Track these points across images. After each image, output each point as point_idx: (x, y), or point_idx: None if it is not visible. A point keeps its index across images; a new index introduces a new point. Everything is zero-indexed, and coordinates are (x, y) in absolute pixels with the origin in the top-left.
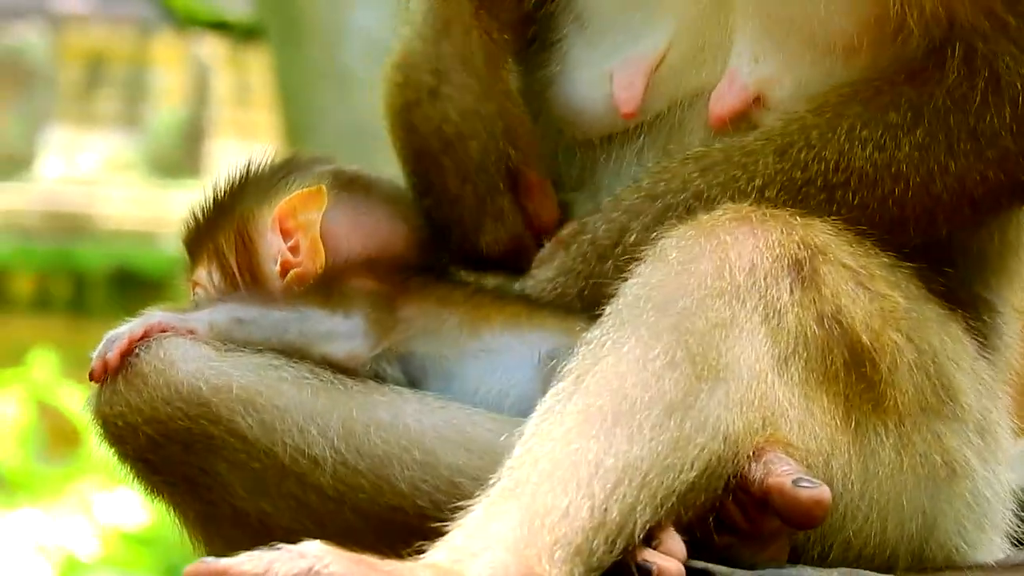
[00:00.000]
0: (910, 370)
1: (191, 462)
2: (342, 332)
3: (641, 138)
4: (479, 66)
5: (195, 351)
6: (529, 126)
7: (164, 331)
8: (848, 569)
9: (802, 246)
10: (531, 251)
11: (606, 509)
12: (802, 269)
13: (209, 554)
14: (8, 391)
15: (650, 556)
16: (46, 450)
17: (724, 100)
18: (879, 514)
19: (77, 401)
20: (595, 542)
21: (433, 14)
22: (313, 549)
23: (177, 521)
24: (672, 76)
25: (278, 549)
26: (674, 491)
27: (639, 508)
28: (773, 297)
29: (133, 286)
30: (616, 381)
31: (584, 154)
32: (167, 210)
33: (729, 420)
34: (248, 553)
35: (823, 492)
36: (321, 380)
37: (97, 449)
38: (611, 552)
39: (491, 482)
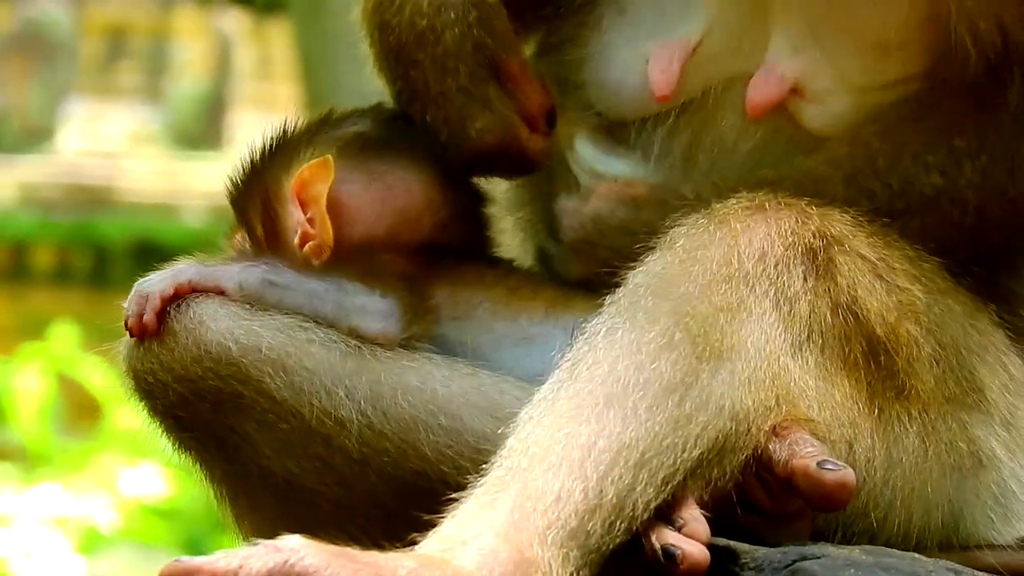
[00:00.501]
0: (930, 362)
1: (220, 421)
2: (377, 310)
3: (674, 121)
4: None
5: (225, 311)
6: (503, 15)
7: (194, 291)
8: (871, 546)
9: (817, 235)
10: (529, 142)
11: (601, 491)
12: (816, 258)
13: (235, 513)
14: (29, 364)
15: (674, 539)
16: (66, 423)
17: (761, 90)
18: (903, 502)
19: (98, 374)
20: (591, 524)
21: None
22: (290, 543)
23: (203, 479)
24: (708, 62)
25: (255, 544)
26: (678, 470)
27: (638, 488)
28: (784, 284)
29: (154, 258)
30: (608, 365)
31: (616, 135)
32: (188, 182)
33: (736, 398)
34: (222, 550)
35: (847, 475)
36: (349, 345)
37: (119, 419)
38: (612, 534)
39: (483, 473)
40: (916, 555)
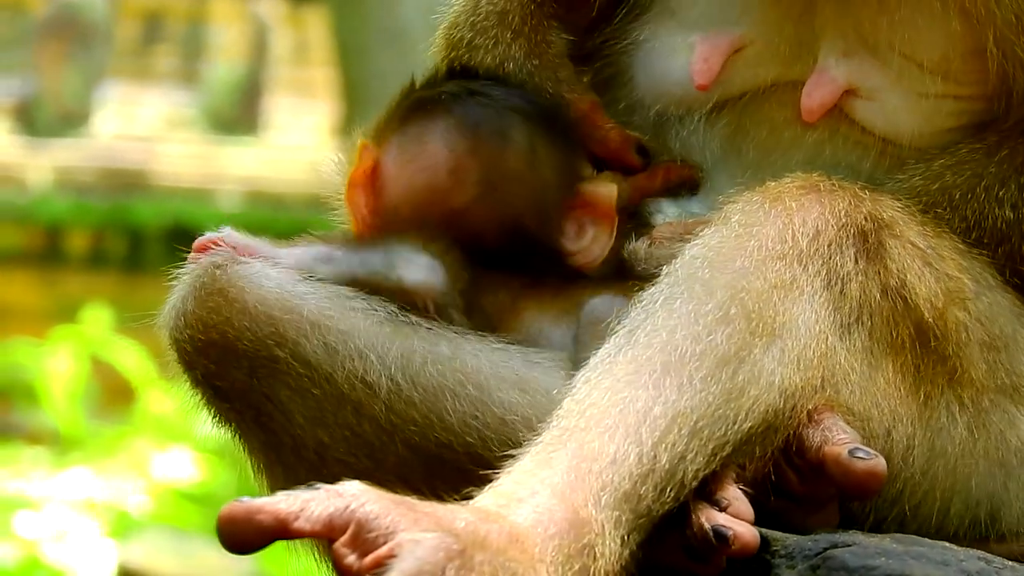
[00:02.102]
0: (981, 348)
1: (255, 387)
2: (422, 262)
3: (715, 115)
4: (515, 21)
5: (270, 273)
6: (567, 64)
7: (251, 254)
8: (901, 535)
9: (869, 219)
10: (631, 183)
11: (655, 456)
12: (867, 240)
13: (270, 484)
14: (62, 347)
15: (724, 520)
16: (99, 407)
17: (815, 94)
18: (943, 494)
19: (131, 357)
20: (644, 488)
21: None
22: (351, 489)
23: (241, 452)
24: (753, 62)
25: (315, 488)
26: (728, 441)
27: (690, 457)
28: (837, 264)
29: (188, 242)
30: (666, 334)
31: (658, 126)
32: (223, 167)
33: (785, 375)
34: (284, 492)
35: (878, 464)
36: (389, 313)
37: (152, 403)
38: (661, 500)
39: (540, 431)
40: (947, 544)
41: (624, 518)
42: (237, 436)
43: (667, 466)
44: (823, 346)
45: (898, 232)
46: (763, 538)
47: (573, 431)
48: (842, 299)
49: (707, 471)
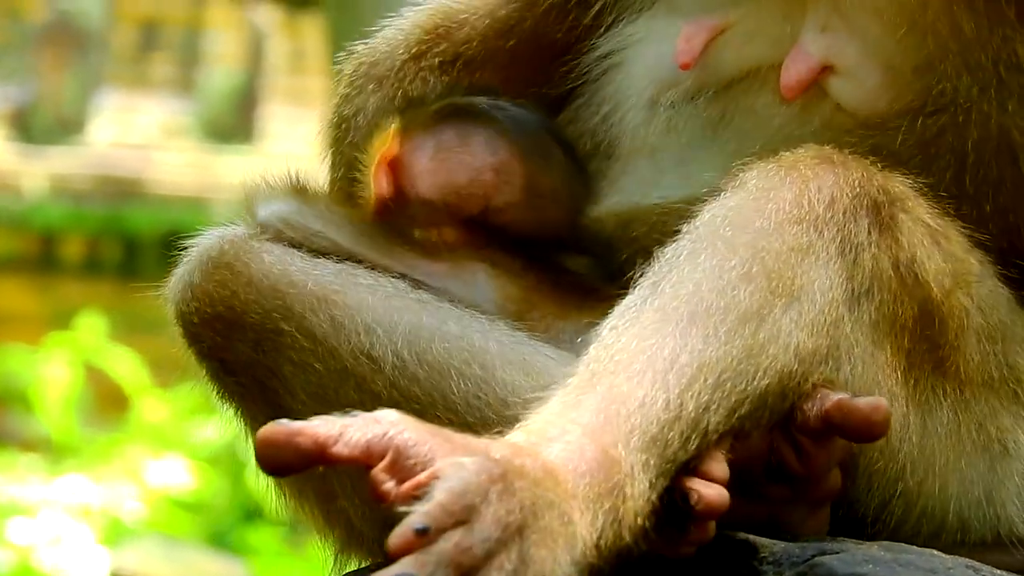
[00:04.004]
0: (978, 338)
1: (260, 361)
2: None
3: (700, 96)
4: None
5: (278, 248)
6: None
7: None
8: (889, 542)
9: (882, 191)
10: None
11: (681, 403)
12: (880, 212)
13: None
14: (56, 354)
15: (690, 482)
16: (93, 414)
17: (792, 70)
18: (940, 471)
19: (125, 365)
20: (670, 435)
21: None
22: (389, 416)
23: (245, 427)
24: (739, 41)
25: (354, 415)
26: (747, 397)
27: (712, 407)
28: (851, 232)
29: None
30: (691, 286)
31: (647, 113)
32: (219, 175)
33: (801, 339)
34: (322, 416)
35: (880, 400)
36: (397, 288)
37: (146, 411)
38: (685, 448)
39: (567, 377)
40: (935, 551)
41: (652, 462)
42: (241, 411)
43: (692, 414)
44: (834, 314)
45: (909, 207)
46: (751, 544)
47: (602, 375)
48: (855, 268)
49: (726, 427)
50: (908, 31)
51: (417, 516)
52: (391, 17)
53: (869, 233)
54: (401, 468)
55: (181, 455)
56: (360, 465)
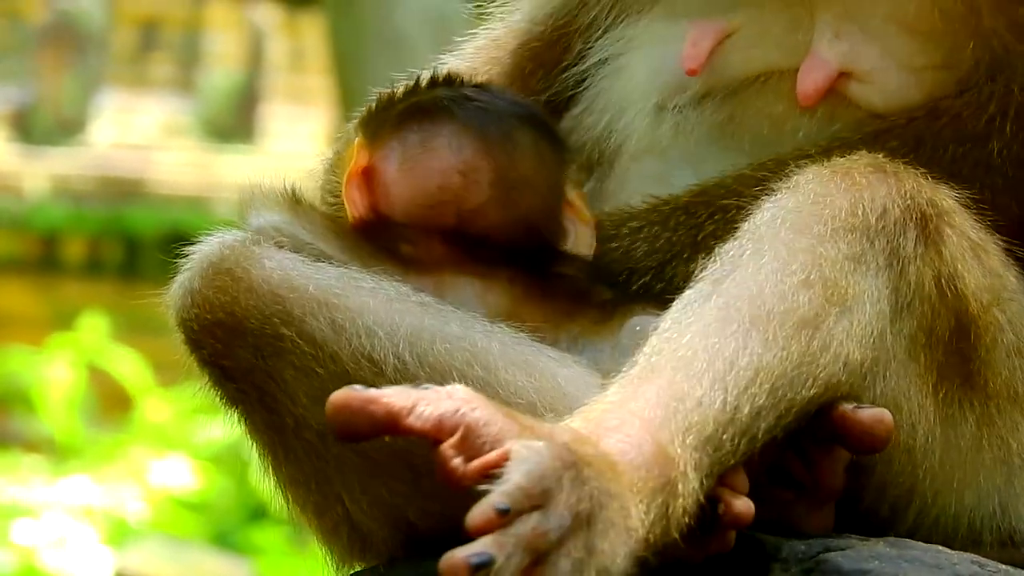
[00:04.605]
0: (1008, 353)
1: (260, 367)
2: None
3: (708, 102)
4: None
5: (279, 253)
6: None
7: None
8: (895, 538)
9: (931, 204)
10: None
11: (737, 406)
12: (928, 226)
13: (272, 465)
14: (59, 355)
15: (717, 491)
16: (96, 415)
17: (809, 77)
18: (958, 484)
19: (128, 365)
20: (724, 436)
21: None
22: (460, 392)
23: (247, 433)
24: (746, 45)
25: (426, 388)
26: (795, 405)
27: (764, 413)
28: (900, 244)
29: (185, 250)
30: (755, 287)
31: (654, 116)
32: (220, 175)
33: (850, 349)
34: (396, 387)
35: (883, 412)
36: (399, 291)
37: (149, 411)
38: (736, 451)
39: (629, 367)
40: (940, 548)
41: (704, 461)
42: (242, 417)
43: (747, 418)
44: (880, 325)
45: (955, 222)
46: (757, 541)
47: (663, 369)
48: (900, 280)
49: (771, 433)
50: (928, 32)
51: (499, 495)
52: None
53: (916, 246)
54: (471, 446)
55: (185, 455)
56: (430, 439)
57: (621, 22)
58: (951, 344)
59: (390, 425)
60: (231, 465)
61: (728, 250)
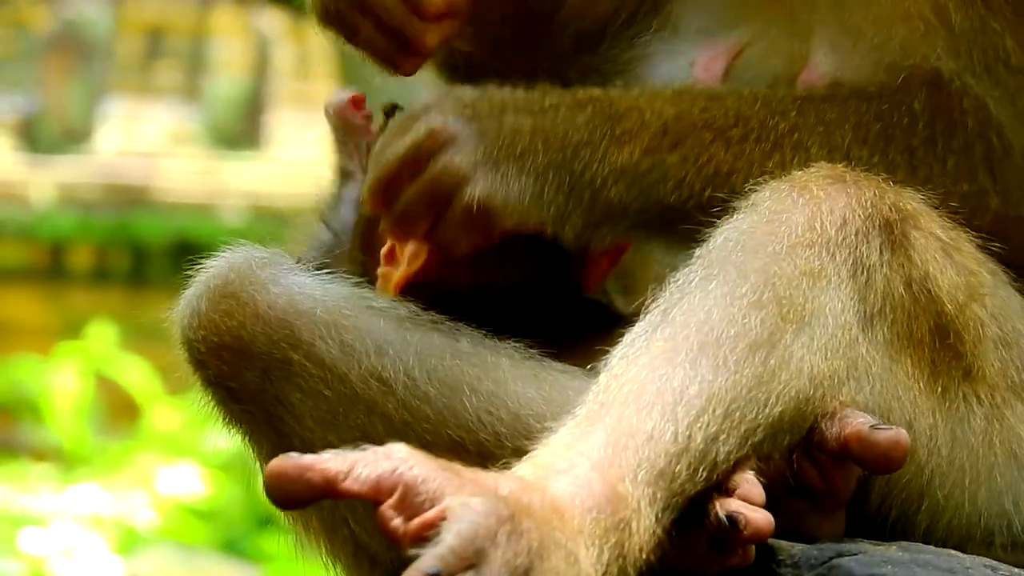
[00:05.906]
0: (995, 346)
1: (267, 390)
2: None
3: None
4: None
5: (286, 275)
6: None
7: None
8: (907, 543)
9: (894, 209)
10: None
11: (689, 435)
12: (893, 231)
13: None
14: (67, 364)
15: (738, 506)
16: (104, 423)
17: (808, 85)
18: (970, 483)
19: (136, 373)
20: (678, 467)
21: None
22: (398, 452)
23: (251, 453)
24: (754, 64)
25: (363, 449)
26: (760, 425)
27: (722, 438)
28: (863, 254)
29: (192, 258)
30: (703, 314)
31: None
32: (226, 182)
33: (814, 363)
34: (333, 451)
35: (900, 433)
36: (410, 311)
37: (158, 419)
38: (694, 480)
39: (575, 408)
40: (953, 552)
41: (659, 495)
42: (247, 438)
43: (701, 446)
44: (848, 336)
45: (922, 224)
46: (769, 547)
47: (611, 406)
48: (867, 290)
49: (739, 454)
50: (909, 34)
51: (428, 559)
52: None
53: (881, 253)
54: (410, 505)
55: (193, 462)
56: (370, 500)
57: (626, 42)
58: (935, 344)
59: (328, 490)
60: (240, 472)
61: (678, 278)
